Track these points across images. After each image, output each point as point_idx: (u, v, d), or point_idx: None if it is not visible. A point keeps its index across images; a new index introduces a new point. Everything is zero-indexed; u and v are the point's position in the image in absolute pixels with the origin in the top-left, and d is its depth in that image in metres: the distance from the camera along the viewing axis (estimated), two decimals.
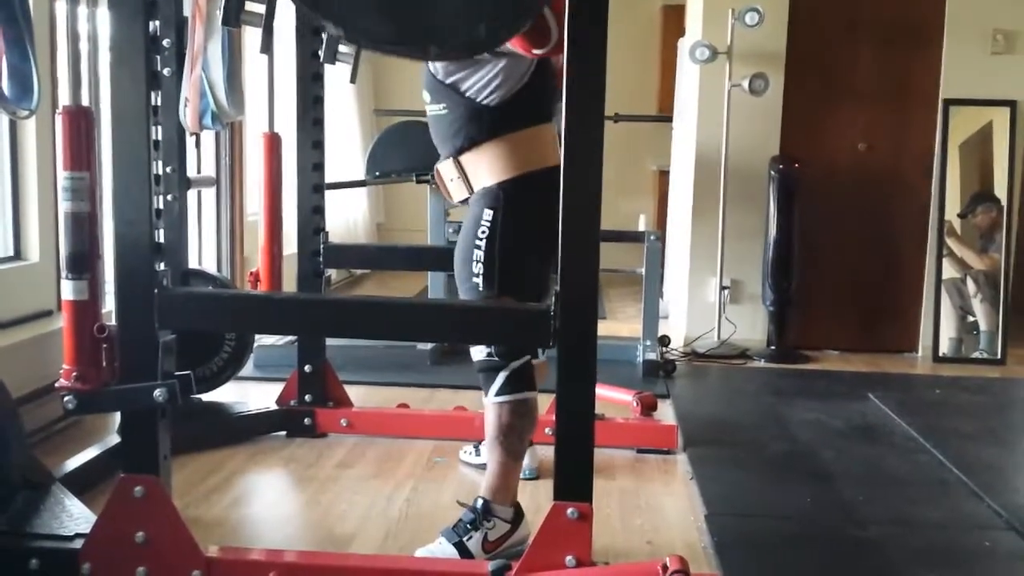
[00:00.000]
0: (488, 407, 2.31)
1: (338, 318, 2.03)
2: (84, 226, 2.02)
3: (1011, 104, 4.75)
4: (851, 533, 2.54)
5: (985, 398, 4.12)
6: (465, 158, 2.31)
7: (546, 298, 2.27)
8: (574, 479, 1.99)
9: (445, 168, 2.37)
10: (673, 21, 6.91)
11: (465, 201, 2.37)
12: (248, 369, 3.84)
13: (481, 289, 2.25)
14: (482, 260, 2.26)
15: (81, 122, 2.02)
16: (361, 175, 4.90)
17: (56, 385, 2.06)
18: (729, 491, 2.82)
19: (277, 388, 3.34)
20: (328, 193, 3.37)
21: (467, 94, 2.25)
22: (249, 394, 3.58)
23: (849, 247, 4.92)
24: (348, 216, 6.46)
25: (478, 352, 2.30)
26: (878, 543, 2.47)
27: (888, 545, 2.46)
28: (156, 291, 1.98)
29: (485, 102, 2.24)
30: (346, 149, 6.39)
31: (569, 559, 1.97)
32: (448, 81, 2.27)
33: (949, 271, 4.85)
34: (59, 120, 2.01)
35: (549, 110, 2.36)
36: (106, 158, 2.01)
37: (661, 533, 2.54)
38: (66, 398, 2.04)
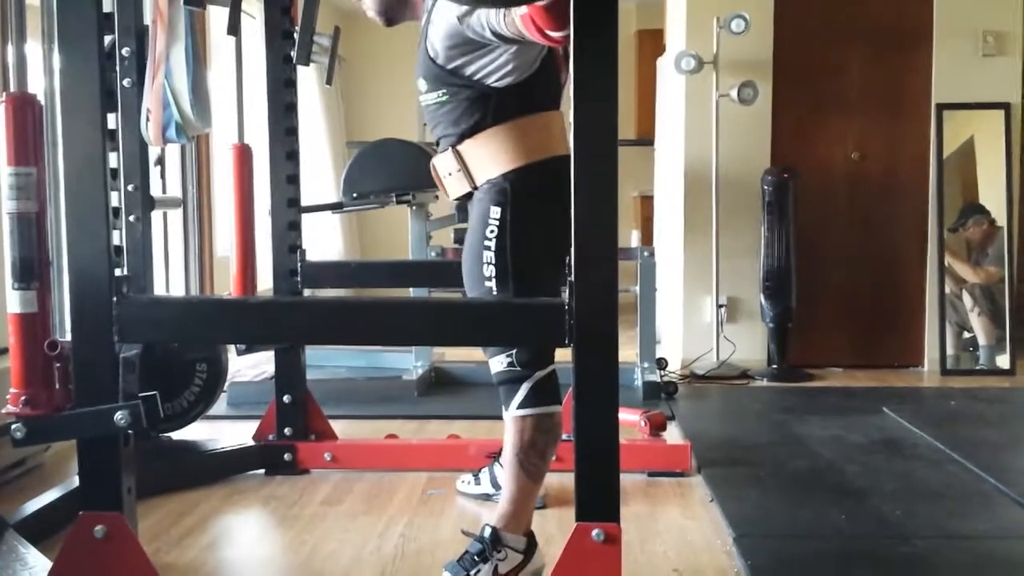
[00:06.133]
0: (509, 422, 2.08)
1: (327, 321, 1.79)
2: (32, 228, 1.78)
3: (1004, 107, 4.63)
4: (896, 549, 2.31)
5: (1004, 408, 3.93)
6: (466, 147, 2.07)
7: None
8: (598, 495, 1.75)
9: (442, 161, 2.13)
10: (648, 44, 6.82)
11: (467, 197, 2.14)
12: (221, 407, 3.58)
13: (495, 293, 2.03)
14: (493, 261, 2.03)
15: (27, 111, 1.78)
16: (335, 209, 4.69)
17: (2, 412, 1.80)
18: (755, 512, 2.59)
19: (253, 426, 3.08)
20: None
21: (474, 78, 2.03)
22: (223, 433, 3.30)
23: (848, 260, 4.75)
24: (323, 254, 6.22)
25: (498, 363, 2.08)
26: (927, 558, 2.25)
27: (939, 560, 2.24)
28: (115, 299, 1.74)
29: (493, 85, 2.03)
30: (319, 183, 6.17)
31: None
32: (450, 67, 2.04)
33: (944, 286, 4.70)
34: (1, 109, 1.77)
35: (557, 97, 2.16)
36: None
37: (687, 559, 2.30)
38: (14, 426, 1.78)
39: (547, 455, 2.10)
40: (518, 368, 2.05)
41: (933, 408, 3.89)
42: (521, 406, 2.06)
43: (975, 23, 4.58)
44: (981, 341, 4.69)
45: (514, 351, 2.05)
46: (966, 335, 4.72)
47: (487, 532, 2.06)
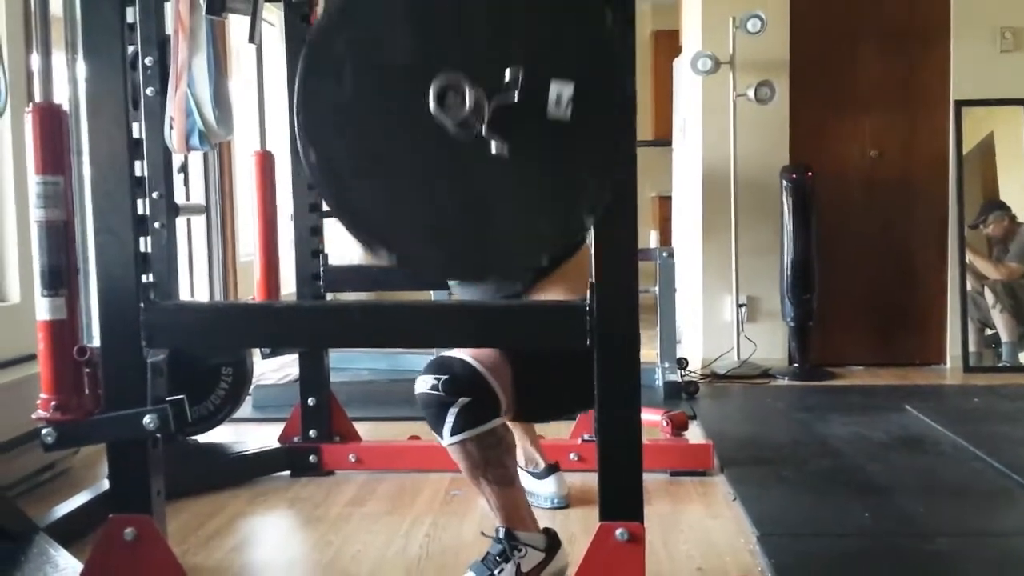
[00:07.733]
0: (449, 451, 1.99)
1: (350, 325, 1.81)
2: (60, 236, 1.81)
3: None
4: (919, 547, 2.30)
5: None
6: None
7: None
8: (622, 495, 1.76)
9: None
10: (664, 45, 6.82)
11: None
12: (246, 410, 3.62)
13: None
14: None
15: (53, 121, 1.81)
16: None
17: (32, 417, 1.83)
18: (778, 511, 2.59)
19: (278, 429, 3.11)
20: None
21: None
22: (249, 435, 3.34)
23: (867, 258, 4.74)
24: (344, 258, 6.24)
25: (423, 382, 1.98)
26: (951, 556, 2.24)
27: (962, 558, 2.23)
28: (142, 305, 1.76)
29: None
30: None
31: None
32: None
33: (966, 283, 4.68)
34: (29, 119, 1.80)
35: None
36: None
37: (711, 559, 2.30)
38: (44, 431, 1.81)
39: (506, 461, 2.02)
40: (441, 393, 1.95)
41: (955, 405, 3.87)
42: (454, 433, 1.95)
43: (992, 19, 4.56)
44: (1003, 338, 4.66)
45: (445, 376, 1.95)
46: (988, 332, 4.69)
47: (501, 533, 2.07)
